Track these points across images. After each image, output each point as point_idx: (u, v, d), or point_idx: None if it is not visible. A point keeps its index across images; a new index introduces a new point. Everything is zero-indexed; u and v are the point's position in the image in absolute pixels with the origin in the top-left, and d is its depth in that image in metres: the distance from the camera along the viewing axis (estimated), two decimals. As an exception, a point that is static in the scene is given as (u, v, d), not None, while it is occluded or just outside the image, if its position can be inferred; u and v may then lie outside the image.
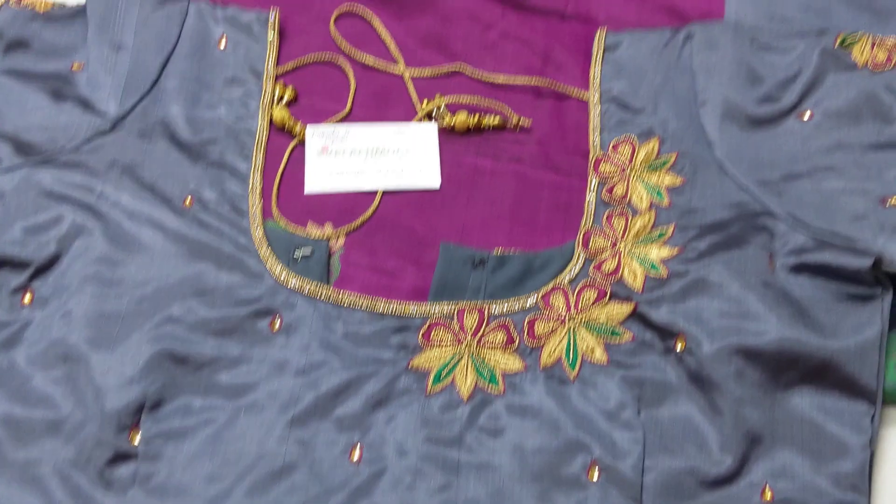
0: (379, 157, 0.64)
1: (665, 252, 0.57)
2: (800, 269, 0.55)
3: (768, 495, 0.50)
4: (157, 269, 0.56)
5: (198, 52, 0.67)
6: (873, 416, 0.52)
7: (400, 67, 0.69)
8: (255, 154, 0.63)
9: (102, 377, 0.53)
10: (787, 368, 0.52)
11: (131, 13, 0.68)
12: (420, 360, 0.54)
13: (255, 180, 0.62)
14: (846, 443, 0.51)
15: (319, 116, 0.66)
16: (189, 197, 0.60)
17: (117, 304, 0.55)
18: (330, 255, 0.59)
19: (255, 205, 0.60)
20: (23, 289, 0.56)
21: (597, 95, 0.66)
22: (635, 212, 0.60)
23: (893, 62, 0.64)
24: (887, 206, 0.57)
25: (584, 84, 0.68)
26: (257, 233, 0.59)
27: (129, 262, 0.57)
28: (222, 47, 0.68)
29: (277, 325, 0.55)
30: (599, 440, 0.51)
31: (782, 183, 0.59)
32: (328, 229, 0.61)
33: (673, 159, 0.62)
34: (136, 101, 0.64)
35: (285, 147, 0.65)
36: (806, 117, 0.62)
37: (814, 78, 0.63)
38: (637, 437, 0.51)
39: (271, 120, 0.65)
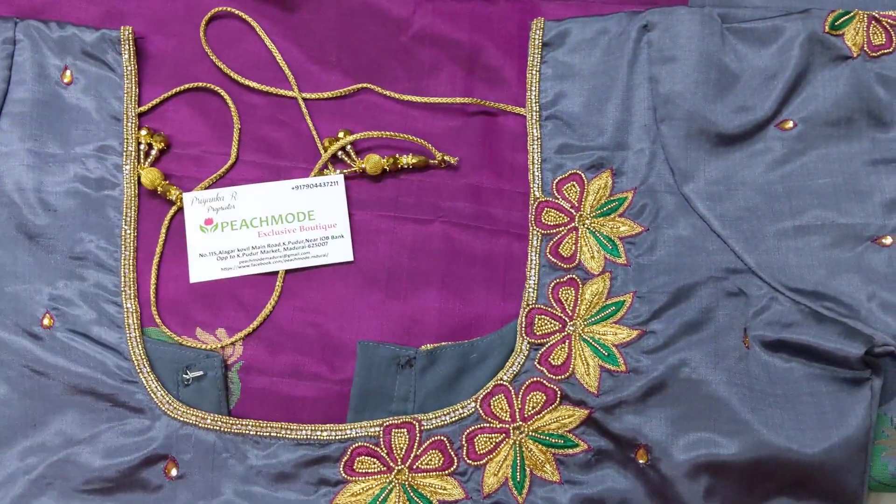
0: (276, 226, 0.52)
1: (623, 334, 0.49)
2: (779, 346, 0.47)
3: None
4: (20, 420, 0.47)
5: (37, 95, 0.53)
6: (859, 528, 0.46)
7: (293, 91, 0.56)
8: (124, 235, 0.52)
9: None
10: (763, 481, 0.46)
11: None
12: (345, 498, 0.47)
13: (128, 275, 0.51)
14: None
15: (198, 168, 0.54)
16: (47, 314, 0.49)
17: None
18: (227, 371, 0.50)
19: (130, 312, 0.50)
20: None
21: (535, 111, 0.54)
22: (587, 276, 0.50)
23: (894, 44, 0.52)
24: (881, 245, 0.49)
25: (522, 93, 0.55)
26: (137, 353, 0.49)
27: (-19, 413, 0.47)
28: (67, 82, 0.54)
29: (174, 472, 0.47)
30: (554, 580, 0.46)
31: (759, 221, 0.50)
32: (222, 337, 0.50)
33: (629, 198, 0.52)
34: (-35, 177, 0.51)
35: (160, 218, 0.53)
36: (788, 126, 0.52)
37: (796, 77, 0.52)
38: None
39: (139, 181, 0.53)
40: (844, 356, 0.46)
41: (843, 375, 0.46)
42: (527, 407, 0.48)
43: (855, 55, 0.52)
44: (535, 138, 0.54)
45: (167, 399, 0.48)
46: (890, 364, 0.48)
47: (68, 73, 0.54)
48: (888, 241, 0.49)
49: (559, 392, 0.48)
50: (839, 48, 0.52)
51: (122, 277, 0.50)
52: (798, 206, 0.50)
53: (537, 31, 0.55)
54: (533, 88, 0.55)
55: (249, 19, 0.56)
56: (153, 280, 0.51)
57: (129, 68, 0.55)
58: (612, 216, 0.52)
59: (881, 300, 0.47)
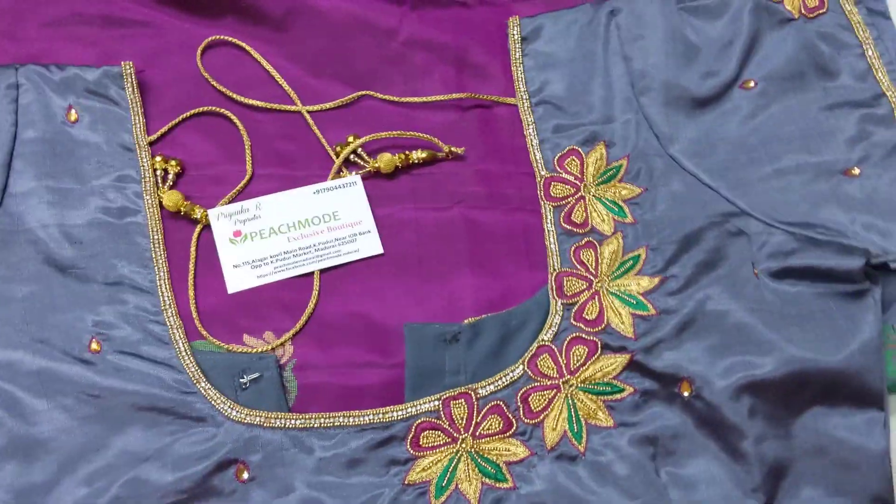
0: (304, 230, 0.54)
1: (645, 283, 0.52)
2: (784, 273, 0.52)
3: (802, 529, 0.49)
4: (82, 446, 0.46)
5: (45, 134, 0.54)
6: (885, 422, 0.51)
7: (297, 105, 0.58)
8: (155, 257, 0.52)
9: None
10: (797, 393, 0.50)
11: None
12: (416, 474, 0.48)
13: (166, 294, 0.51)
14: (866, 459, 0.50)
15: (216, 187, 0.56)
16: (92, 339, 0.49)
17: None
18: (281, 371, 0.51)
19: (174, 328, 0.50)
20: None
21: (526, 100, 0.59)
22: (601, 238, 0.54)
23: (826, 5, 0.59)
24: (852, 176, 0.54)
25: (509, 85, 0.60)
26: (189, 364, 0.49)
27: (42, 445, 0.46)
28: (73, 120, 0.55)
29: (245, 475, 0.47)
30: (626, 515, 0.48)
31: (742, 170, 0.55)
32: (270, 339, 0.52)
33: (625, 165, 0.56)
34: (-14, 222, 0.51)
35: (187, 237, 0.54)
36: (750, 86, 0.58)
37: (750, 42, 0.58)
38: None
39: (160, 205, 0.54)
40: (846, 270, 0.51)
41: (847, 290, 0.51)
42: (572, 361, 0.51)
43: (796, 17, 0.59)
44: (530, 123, 0.58)
45: (228, 405, 0.48)
46: (882, 277, 0.53)
47: (73, 111, 0.55)
48: (856, 171, 0.55)
49: (599, 342, 0.51)
50: (782, 12, 0.59)
51: (161, 297, 0.51)
52: (773, 153, 0.56)
53: (514, 29, 0.60)
54: (520, 79, 0.59)
55: (242, 44, 0.59)
56: (191, 296, 0.52)
57: (133, 100, 0.56)
58: (612, 182, 0.56)
59: (862, 222, 0.53)
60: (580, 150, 0.57)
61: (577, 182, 0.56)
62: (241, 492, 0.47)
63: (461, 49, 0.60)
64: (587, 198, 0.56)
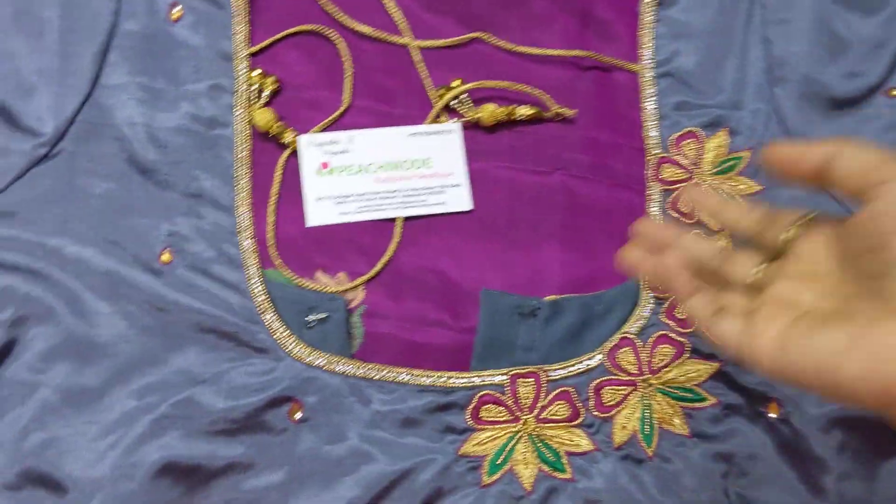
0: (393, 172, 0.51)
1: (748, 290, 0.48)
2: None
3: (872, 580, 0.46)
4: (139, 357, 0.45)
5: (146, 29, 0.51)
6: None
7: (405, 38, 0.54)
8: (238, 175, 0.50)
9: None
10: (891, 435, 0.46)
11: None
12: (471, 446, 0.46)
13: (245, 215, 0.49)
14: None
15: (309, 112, 0.53)
16: (166, 250, 0.47)
17: (96, 410, 0.44)
18: (349, 315, 0.48)
19: (249, 252, 0.48)
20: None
21: (650, 69, 0.54)
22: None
23: None
24: None
25: (633, 50, 0.55)
26: (258, 292, 0.47)
27: (99, 349, 0.45)
28: (175, 19, 0.52)
29: (298, 415, 0.46)
30: (685, 530, 0.45)
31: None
32: (343, 280, 0.49)
33: (747, 158, 0.51)
34: (75, 110, 0.49)
35: (272, 160, 0.51)
36: (895, 94, 0.52)
37: None
38: None
39: (251, 122, 0.52)
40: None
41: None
42: (654, 359, 0.47)
43: None
44: (651, 95, 0.54)
45: (292, 341, 0.46)
46: None
47: (177, 9, 0.52)
48: None
49: (688, 345, 0.47)
50: None
51: (239, 218, 0.49)
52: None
53: (651, -10, 0.55)
54: (647, 45, 0.55)
55: (360, -35, 0.55)
56: (270, 222, 0.50)
57: (239, 7, 0.53)
58: (729, 174, 0.51)
59: None
60: (701, 133, 0.52)
61: (692, 167, 0.52)
62: (292, 432, 0.45)
63: (587, 1, 0.56)
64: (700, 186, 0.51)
